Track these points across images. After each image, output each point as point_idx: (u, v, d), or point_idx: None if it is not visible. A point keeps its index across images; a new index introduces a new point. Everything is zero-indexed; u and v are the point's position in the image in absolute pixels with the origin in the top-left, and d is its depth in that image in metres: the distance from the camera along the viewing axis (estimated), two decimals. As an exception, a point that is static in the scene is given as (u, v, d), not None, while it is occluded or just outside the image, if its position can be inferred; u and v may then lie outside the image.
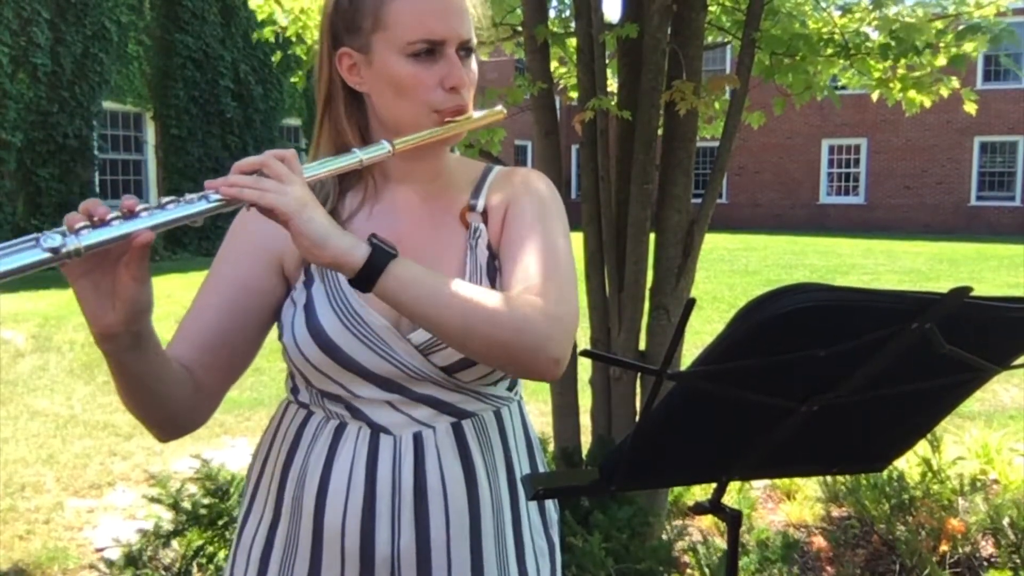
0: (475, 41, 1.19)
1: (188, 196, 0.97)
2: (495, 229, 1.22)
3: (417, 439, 1.18)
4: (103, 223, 0.91)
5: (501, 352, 1.05)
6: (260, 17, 3.83)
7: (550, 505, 1.34)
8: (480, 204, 1.23)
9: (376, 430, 1.18)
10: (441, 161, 1.25)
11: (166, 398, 1.11)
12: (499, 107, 1.27)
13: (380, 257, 0.99)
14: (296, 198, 0.97)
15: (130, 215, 0.93)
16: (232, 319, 1.18)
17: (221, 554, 2.91)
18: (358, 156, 1.09)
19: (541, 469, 1.34)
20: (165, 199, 0.96)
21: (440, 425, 1.19)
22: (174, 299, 6.90)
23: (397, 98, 1.16)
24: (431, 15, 1.13)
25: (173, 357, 1.12)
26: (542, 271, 1.12)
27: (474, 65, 1.19)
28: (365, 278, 0.99)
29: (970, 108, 3.62)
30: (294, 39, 3.84)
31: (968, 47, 3.39)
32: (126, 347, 1.01)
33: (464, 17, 1.16)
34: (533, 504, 1.29)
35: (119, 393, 1.10)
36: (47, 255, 0.88)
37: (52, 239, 0.88)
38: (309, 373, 1.19)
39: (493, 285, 1.18)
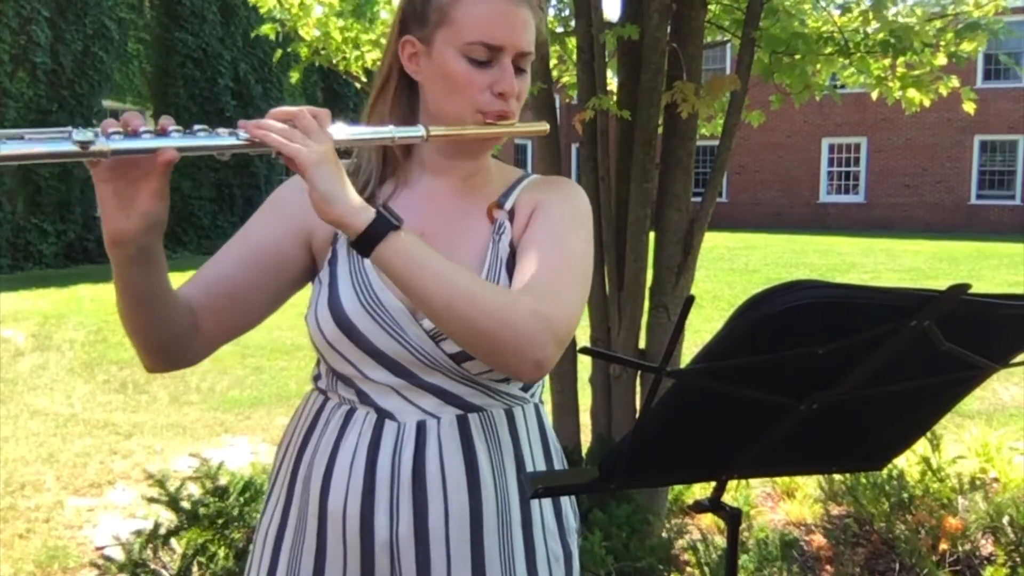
0: (532, 57, 1.22)
1: (220, 130, 1.02)
2: (520, 227, 1.23)
3: (420, 428, 1.20)
4: (135, 134, 0.97)
5: (482, 341, 1.06)
6: (261, 7, 3.82)
7: (569, 512, 1.34)
8: (509, 203, 1.26)
9: (382, 416, 1.21)
10: (479, 162, 1.29)
11: (161, 322, 1.14)
12: (544, 123, 1.29)
13: (382, 224, 1.02)
14: (317, 152, 1.01)
15: (162, 133, 0.98)
16: (246, 272, 1.22)
17: (221, 553, 2.91)
18: (392, 133, 1.12)
19: None
20: (197, 127, 1.01)
21: (445, 416, 1.20)
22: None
23: (447, 93, 1.19)
24: (495, 21, 1.16)
25: (182, 294, 1.16)
26: (550, 272, 1.13)
27: (526, 81, 1.22)
28: (365, 241, 1.02)
29: (969, 108, 3.62)
30: (293, 35, 3.84)
31: (967, 47, 3.39)
32: (132, 257, 1.05)
33: (527, 31, 1.19)
34: (548, 507, 1.29)
35: (119, 310, 1.13)
36: (76, 148, 0.92)
37: (84, 134, 0.93)
38: (326, 351, 1.22)
39: (511, 281, 1.19)
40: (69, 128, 0.93)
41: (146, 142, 0.97)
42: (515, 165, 1.41)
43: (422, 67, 1.22)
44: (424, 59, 1.21)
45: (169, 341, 1.16)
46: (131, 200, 1.01)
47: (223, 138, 1.01)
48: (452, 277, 1.04)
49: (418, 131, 1.14)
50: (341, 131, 1.07)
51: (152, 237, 1.04)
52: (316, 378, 1.31)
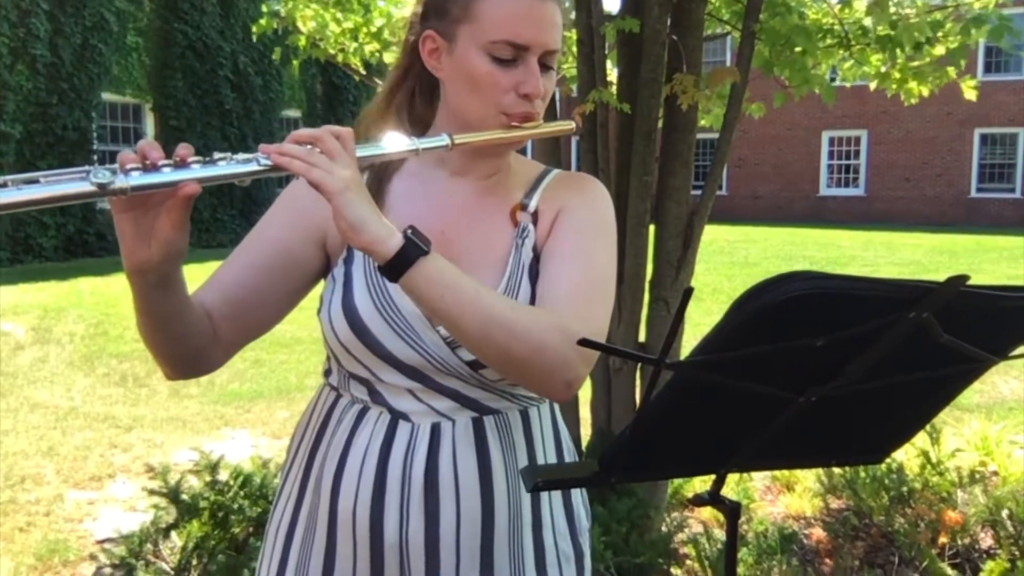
0: (559, 53, 1.18)
1: (240, 155, 1.00)
2: (543, 231, 1.21)
3: (435, 430, 1.18)
4: (154, 168, 0.95)
5: (515, 367, 1.06)
6: None
7: (581, 512, 1.33)
8: (532, 204, 1.23)
9: (395, 417, 1.19)
10: (502, 160, 1.25)
11: (182, 338, 1.13)
12: (570, 121, 1.26)
13: (411, 251, 0.99)
14: (341, 178, 0.98)
15: (181, 164, 0.96)
16: (261, 278, 1.20)
17: (220, 546, 2.91)
18: (415, 145, 1.09)
19: None
20: (218, 155, 0.99)
21: (460, 419, 1.19)
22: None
23: (469, 92, 1.15)
24: (521, 20, 1.12)
25: (198, 302, 1.14)
26: (577, 289, 1.12)
27: (552, 78, 1.18)
28: (394, 268, 0.99)
29: (970, 94, 3.61)
30: (291, 27, 3.83)
31: (968, 39, 3.38)
32: (153, 284, 1.04)
33: (554, 29, 1.15)
34: (559, 508, 1.28)
35: (138, 327, 1.12)
36: (93, 189, 0.91)
37: (102, 175, 0.92)
38: (339, 352, 1.20)
39: (534, 286, 1.17)
40: (87, 168, 0.92)
41: (166, 176, 0.95)
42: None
43: (443, 63, 1.17)
44: (445, 55, 1.16)
45: (190, 353, 1.15)
46: (151, 230, 1.00)
47: (244, 165, 0.99)
48: (483, 302, 1.02)
49: (442, 140, 1.10)
50: (363, 149, 1.05)
51: (173, 266, 1.03)
52: (327, 372, 1.29)
